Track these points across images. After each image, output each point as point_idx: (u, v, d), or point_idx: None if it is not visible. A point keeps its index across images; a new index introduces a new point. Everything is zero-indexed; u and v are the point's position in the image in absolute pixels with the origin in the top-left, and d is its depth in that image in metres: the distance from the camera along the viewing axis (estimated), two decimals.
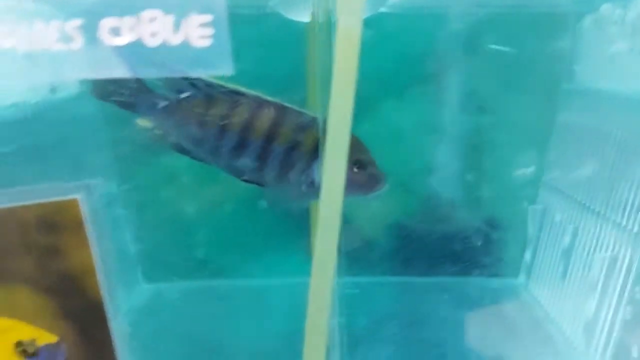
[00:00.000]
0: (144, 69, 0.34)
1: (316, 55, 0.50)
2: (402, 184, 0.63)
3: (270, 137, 0.46)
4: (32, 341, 0.39)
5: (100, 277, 0.38)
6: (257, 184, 0.49)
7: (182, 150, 0.47)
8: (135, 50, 0.34)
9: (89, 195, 0.37)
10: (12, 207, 0.37)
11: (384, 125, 0.61)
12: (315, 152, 0.47)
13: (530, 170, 0.58)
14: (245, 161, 0.47)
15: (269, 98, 0.47)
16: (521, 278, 0.63)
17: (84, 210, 0.37)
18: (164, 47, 0.34)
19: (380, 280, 0.63)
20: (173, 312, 0.60)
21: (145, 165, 0.57)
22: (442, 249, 0.62)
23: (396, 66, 0.59)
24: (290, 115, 0.47)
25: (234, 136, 0.46)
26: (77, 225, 0.37)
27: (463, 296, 0.60)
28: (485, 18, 0.56)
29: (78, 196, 0.37)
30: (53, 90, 0.46)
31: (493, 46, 0.55)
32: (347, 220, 0.44)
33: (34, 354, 0.39)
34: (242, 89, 0.47)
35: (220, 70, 0.36)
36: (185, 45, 0.35)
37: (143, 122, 0.47)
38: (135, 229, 0.59)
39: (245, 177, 0.49)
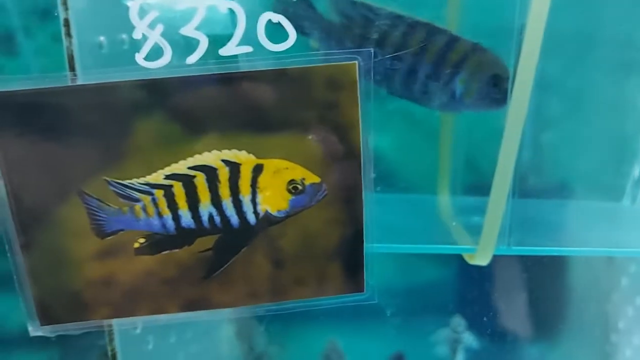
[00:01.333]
0: None
1: None
2: None
3: (440, 60, 0.52)
4: (302, 180, 0.49)
5: (362, 131, 0.47)
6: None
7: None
8: None
9: (364, 61, 0.46)
10: (306, 67, 0.46)
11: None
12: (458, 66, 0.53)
13: None
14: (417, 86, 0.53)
15: (422, 19, 0.54)
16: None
17: (359, 73, 0.46)
18: None
19: None
20: None
21: None
22: None
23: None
24: (444, 35, 0.53)
25: (408, 60, 0.52)
26: (352, 85, 0.46)
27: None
28: None
29: (356, 61, 0.46)
30: None
31: None
32: None
33: (302, 191, 0.49)
34: (399, 12, 0.53)
35: None
36: None
37: (314, 44, 0.54)
38: None
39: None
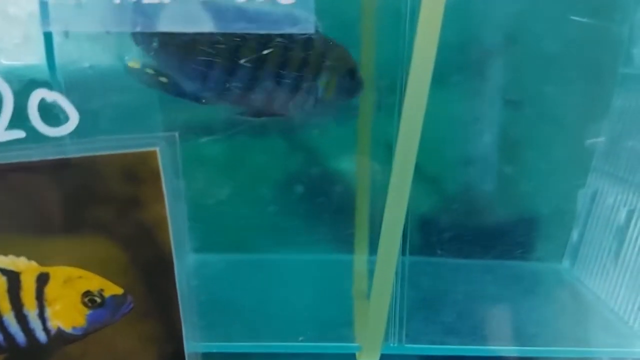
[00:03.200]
0: (232, 24, 0.35)
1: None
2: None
3: (282, 62, 0.45)
4: (100, 291, 0.39)
5: (172, 230, 0.39)
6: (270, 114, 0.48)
7: (179, 93, 0.45)
8: (223, 6, 0.34)
9: (167, 148, 0.37)
10: (94, 156, 0.37)
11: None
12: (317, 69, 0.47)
13: (579, 154, 0.59)
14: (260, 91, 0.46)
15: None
16: (565, 262, 0.64)
17: (162, 163, 0.37)
18: (251, 2, 0.35)
19: (423, 260, 0.63)
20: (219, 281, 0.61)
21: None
22: (482, 233, 0.63)
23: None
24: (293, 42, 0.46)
25: (246, 66, 0.45)
26: (155, 177, 0.38)
27: (507, 277, 0.61)
28: None
29: (157, 148, 0.37)
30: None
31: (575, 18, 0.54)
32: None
33: (101, 304, 0.40)
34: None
35: (303, 28, 0.36)
36: (271, 1, 0.35)
37: (132, 64, 0.44)
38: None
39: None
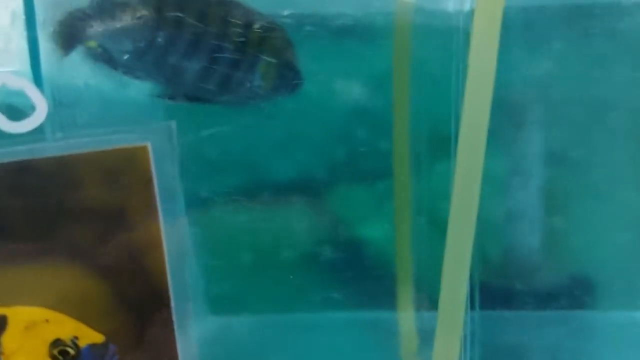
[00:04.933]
0: None
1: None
2: None
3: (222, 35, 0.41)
4: (73, 340, 0.30)
5: (168, 255, 0.29)
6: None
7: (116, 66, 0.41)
8: None
9: (161, 142, 0.28)
10: (66, 156, 0.28)
11: None
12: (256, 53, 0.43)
13: None
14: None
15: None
16: None
17: (155, 162, 0.28)
18: None
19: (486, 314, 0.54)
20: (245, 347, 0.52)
21: None
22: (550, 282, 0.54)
23: None
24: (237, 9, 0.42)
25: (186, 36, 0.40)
26: (146, 182, 0.29)
27: (583, 329, 0.50)
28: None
29: (148, 143, 0.28)
30: None
31: None
32: None
33: (75, 357, 0.30)
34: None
35: None
36: None
37: (90, 43, 0.40)
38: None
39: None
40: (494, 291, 0.52)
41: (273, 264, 0.52)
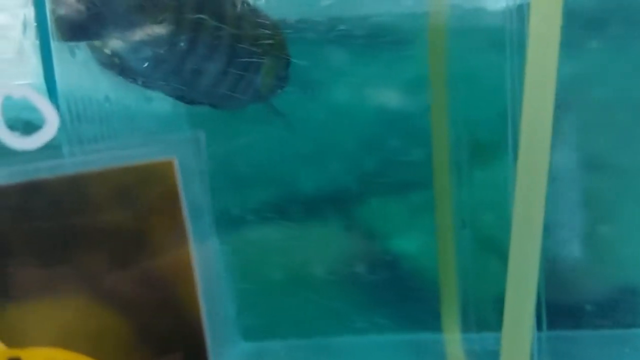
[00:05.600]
0: None
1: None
2: None
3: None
4: None
5: (200, 281, 0.26)
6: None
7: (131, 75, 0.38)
8: None
9: (189, 156, 0.25)
10: (82, 174, 0.25)
11: None
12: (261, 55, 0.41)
13: None
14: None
15: None
16: None
17: (182, 178, 0.25)
18: None
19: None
20: None
21: None
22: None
23: None
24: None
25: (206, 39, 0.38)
26: (172, 200, 0.25)
27: None
28: None
29: (174, 157, 0.25)
30: None
31: None
32: None
33: None
34: None
35: None
36: None
37: (98, 44, 0.37)
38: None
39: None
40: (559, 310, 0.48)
41: (307, 285, 0.49)
